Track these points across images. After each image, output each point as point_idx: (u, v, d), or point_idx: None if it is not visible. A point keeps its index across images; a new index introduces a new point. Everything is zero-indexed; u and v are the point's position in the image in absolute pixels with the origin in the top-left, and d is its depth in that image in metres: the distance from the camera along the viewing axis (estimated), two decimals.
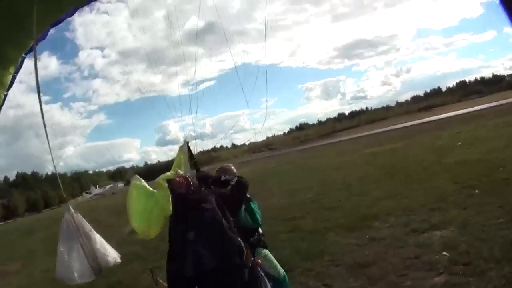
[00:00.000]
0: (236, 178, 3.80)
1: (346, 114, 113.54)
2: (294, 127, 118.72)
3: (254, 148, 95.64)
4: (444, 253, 5.20)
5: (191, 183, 3.44)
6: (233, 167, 4.54)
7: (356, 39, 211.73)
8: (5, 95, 3.85)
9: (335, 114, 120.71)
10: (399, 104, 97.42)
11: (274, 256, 4.32)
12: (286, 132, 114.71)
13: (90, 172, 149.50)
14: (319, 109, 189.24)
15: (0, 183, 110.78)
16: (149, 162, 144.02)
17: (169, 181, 3.38)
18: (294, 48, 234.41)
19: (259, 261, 3.54)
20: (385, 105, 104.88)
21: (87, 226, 3.78)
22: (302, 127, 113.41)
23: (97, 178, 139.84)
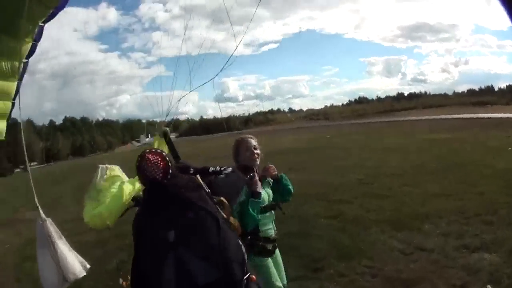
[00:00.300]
0: (230, 168, 3.21)
1: (405, 94, 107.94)
2: (353, 100, 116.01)
3: (310, 115, 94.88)
4: (488, 286, 4.51)
5: (170, 164, 2.65)
6: (252, 140, 3.94)
7: (419, 22, 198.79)
8: (26, 63, 3.85)
9: (394, 93, 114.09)
10: (456, 94, 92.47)
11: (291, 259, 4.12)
12: (344, 104, 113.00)
13: (144, 121, 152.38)
14: (379, 85, 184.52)
15: (45, 127, 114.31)
16: (204, 117, 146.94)
17: (140, 160, 2.61)
18: (359, 21, 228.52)
19: (253, 276, 2.65)
20: (442, 93, 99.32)
21: (57, 235, 3.78)
22: (361, 100, 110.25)
23: (150, 127, 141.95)
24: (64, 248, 3.73)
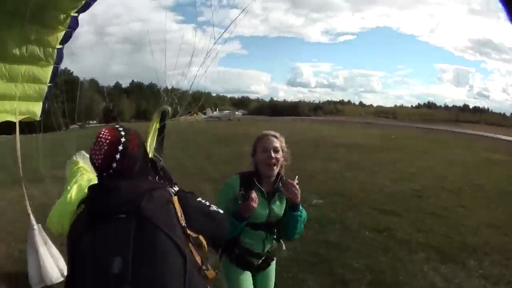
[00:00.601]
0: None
1: (470, 107, 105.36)
2: (422, 103, 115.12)
3: (380, 112, 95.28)
4: None
5: (126, 149, 1.84)
6: (276, 140, 3.13)
7: (486, 38, 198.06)
8: (61, 48, 4.08)
9: (460, 104, 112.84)
10: None
11: None
12: (414, 106, 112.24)
13: (214, 95, 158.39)
14: (448, 93, 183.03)
15: (110, 88, 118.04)
16: (275, 99, 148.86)
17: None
18: (434, 26, 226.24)
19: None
20: (502, 112, 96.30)
21: (41, 241, 4.20)
22: (429, 105, 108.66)
23: (219, 102, 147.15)
24: (45, 254, 4.14)
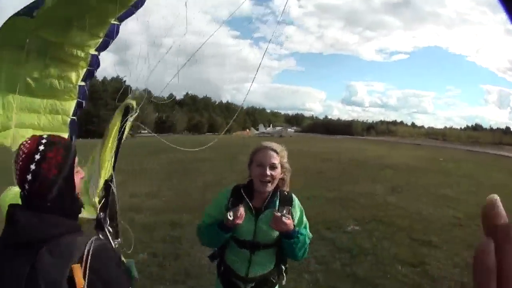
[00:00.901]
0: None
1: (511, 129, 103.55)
2: (469, 125, 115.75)
3: (430, 133, 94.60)
4: None
5: (41, 162, 1.54)
6: (273, 154, 2.79)
7: None
8: (96, 55, 3.96)
9: (503, 126, 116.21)
10: None
11: None
12: (462, 128, 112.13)
13: (268, 111, 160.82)
14: (492, 115, 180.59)
15: (164, 100, 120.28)
16: (329, 117, 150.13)
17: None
18: (479, 46, 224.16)
19: None
20: None
21: None
22: (476, 127, 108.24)
23: (273, 118, 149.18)
24: None
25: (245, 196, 2.79)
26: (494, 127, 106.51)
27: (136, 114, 3.18)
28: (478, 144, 64.35)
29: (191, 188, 12.88)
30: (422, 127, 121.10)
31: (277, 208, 2.75)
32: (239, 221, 2.59)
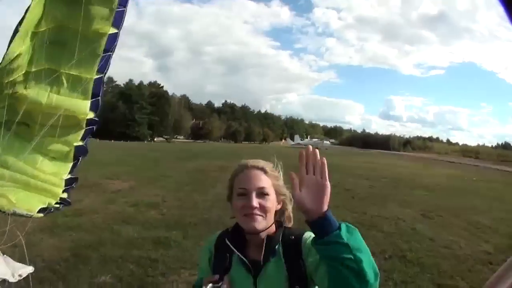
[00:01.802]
0: None
1: None
2: (500, 143, 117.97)
3: (464, 151, 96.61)
4: None
5: None
6: (261, 174, 1.71)
7: None
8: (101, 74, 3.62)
9: None
10: None
11: None
12: (493, 146, 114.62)
13: (306, 122, 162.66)
14: None
15: (201, 106, 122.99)
16: (367, 130, 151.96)
17: None
18: (508, 63, 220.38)
19: None
20: None
21: None
22: (506, 146, 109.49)
23: (311, 129, 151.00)
24: None
25: (233, 247, 1.72)
26: None
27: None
28: (507, 162, 63.87)
29: (199, 202, 11.91)
30: (457, 143, 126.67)
31: (282, 257, 1.65)
32: None
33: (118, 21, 3.34)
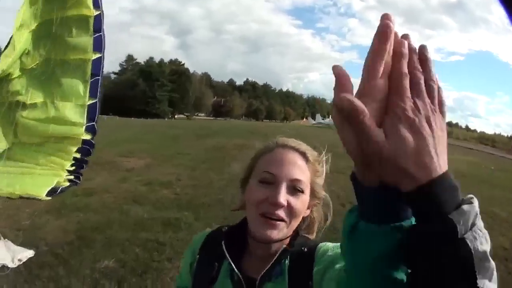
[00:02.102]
0: None
1: None
2: None
3: (481, 138, 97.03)
4: None
5: None
6: (300, 162, 1.18)
7: None
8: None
9: None
10: None
11: None
12: (508, 136, 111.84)
13: (328, 101, 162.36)
14: None
15: (223, 84, 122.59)
16: None
17: None
18: None
19: None
20: None
21: None
22: None
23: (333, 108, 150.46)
24: None
25: (228, 255, 1.21)
26: None
27: None
28: None
29: (215, 181, 11.43)
30: (475, 131, 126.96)
31: (286, 277, 1.18)
32: None
33: (98, 46, 3.62)
